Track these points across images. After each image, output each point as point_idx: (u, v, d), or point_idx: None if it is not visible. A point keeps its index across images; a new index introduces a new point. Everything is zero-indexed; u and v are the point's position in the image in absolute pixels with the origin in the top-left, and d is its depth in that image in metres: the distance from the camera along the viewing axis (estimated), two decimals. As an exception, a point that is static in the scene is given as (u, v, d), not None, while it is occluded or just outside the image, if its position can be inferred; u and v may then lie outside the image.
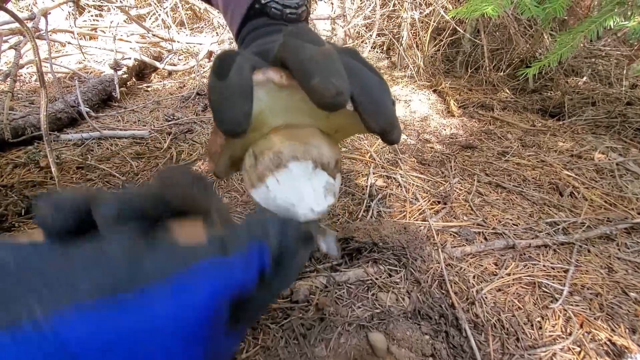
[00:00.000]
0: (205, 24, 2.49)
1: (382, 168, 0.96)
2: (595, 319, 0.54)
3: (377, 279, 0.58)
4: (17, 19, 0.66)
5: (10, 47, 1.26)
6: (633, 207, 0.87)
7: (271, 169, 0.24)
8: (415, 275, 0.59)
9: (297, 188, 0.24)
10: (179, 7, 2.27)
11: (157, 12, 2.12)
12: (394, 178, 0.91)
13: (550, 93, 1.68)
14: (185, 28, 2.33)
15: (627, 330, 0.52)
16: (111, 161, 0.86)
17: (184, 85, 1.56)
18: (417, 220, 0.76)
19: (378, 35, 1.93)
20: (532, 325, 0.52)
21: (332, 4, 1.65)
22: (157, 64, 1.66)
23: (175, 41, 1.88)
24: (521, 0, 1.13)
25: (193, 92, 1.39)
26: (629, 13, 1.03)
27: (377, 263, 0.61)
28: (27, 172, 0.77)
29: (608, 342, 0.50)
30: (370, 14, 1.87)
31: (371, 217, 0.74)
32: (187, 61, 1.91)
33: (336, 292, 0.54)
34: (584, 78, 1.81)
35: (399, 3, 1.87)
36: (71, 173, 0.79)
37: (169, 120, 1.15)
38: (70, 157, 0.85)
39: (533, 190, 0.91)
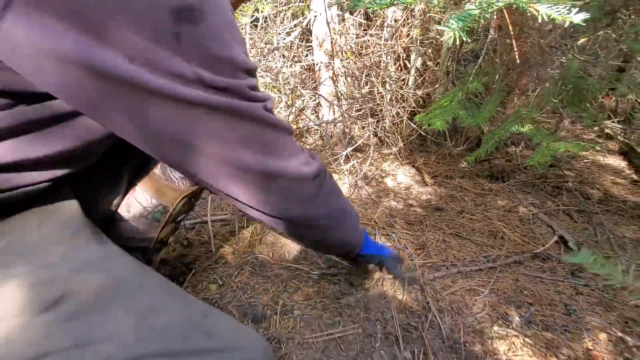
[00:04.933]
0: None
1: (382, 229, 1.51)
2: (499, 303, 1.06)
3: (395, 292, 1.09)
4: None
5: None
6: (537, 243, 1.42)
7: None
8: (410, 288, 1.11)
9: None
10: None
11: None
12: (390, 235, 1.45)
13: (496, 161, 2.31)
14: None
15: (514, 308, 1.04)
16: (217, 239, 1.39)
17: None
18: (408, 260, 1.29)
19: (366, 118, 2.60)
20: (467, 307, 1.03)
21: (334, 109, 2.33)
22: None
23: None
24: (458, 113, 1.79)
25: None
26: (523, 124, 1.68)
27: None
28: (176, 249, 1.29)
29: (503, 313, 1.02)
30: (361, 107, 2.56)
31: (381, 260, 1.27)
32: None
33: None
34: (520, 147, 2.47)
35: (380, 98, 2.58)
36: (198, 248, 1.31)
37: (236, 205, 1.70)
38: (192, 238, 1.38)
39: (478, 236, 1.46)
